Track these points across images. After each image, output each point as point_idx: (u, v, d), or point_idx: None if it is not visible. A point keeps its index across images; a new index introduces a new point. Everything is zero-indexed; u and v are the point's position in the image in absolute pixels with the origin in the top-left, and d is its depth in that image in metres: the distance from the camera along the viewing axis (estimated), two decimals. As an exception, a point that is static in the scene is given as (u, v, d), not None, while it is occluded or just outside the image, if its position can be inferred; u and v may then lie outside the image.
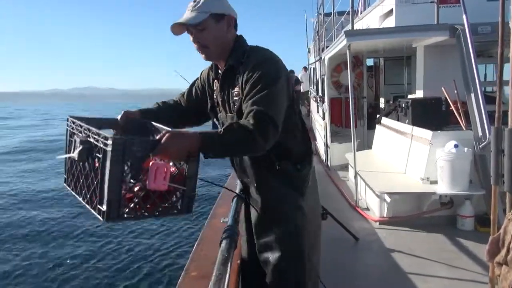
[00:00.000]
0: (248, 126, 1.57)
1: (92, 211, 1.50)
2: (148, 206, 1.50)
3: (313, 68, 10.98)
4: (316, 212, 2.10)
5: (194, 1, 1.78)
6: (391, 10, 5.66)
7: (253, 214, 1.98)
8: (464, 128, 4.49)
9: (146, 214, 1.52)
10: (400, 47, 6.76)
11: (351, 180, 6.06)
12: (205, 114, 2.07)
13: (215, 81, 1.96)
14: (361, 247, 3.98)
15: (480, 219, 4.13)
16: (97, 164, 1.48)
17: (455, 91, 4.74)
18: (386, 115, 6.00)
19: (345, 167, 6.77)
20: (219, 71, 1.91)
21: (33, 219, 8.72)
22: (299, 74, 14.55)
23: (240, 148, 1.65)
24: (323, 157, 7.66)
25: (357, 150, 5.35)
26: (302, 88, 13.97)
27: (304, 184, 1.93)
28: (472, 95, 4.18)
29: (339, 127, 8.07)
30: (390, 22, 5.67)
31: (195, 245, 2.53)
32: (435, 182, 4.22)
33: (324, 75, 7.78)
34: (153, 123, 1.86)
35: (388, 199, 4.42)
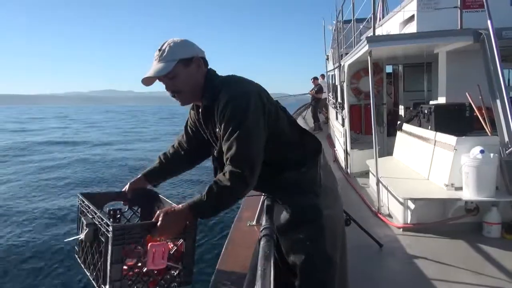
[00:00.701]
0: (225, 183, 1.66)
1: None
2: (150, 281, 1.63)
3: (332, 75, 10.96)
4: (338, 213, 2.07)
5: (160, 50, 1.80)
6: (412, 16, 5.63)
7: (276, 217, 1.99)
8: (489, 134, 4.43)
9: None
10: (420, 54, 6.72)
11: (372, 187, 6.01)
12: (207, 149, 2.08)
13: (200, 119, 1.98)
14: (385, 254, 3.93)
15: (507, 226, 4.05)
16: (101, 247, 1.62)
17: (480, 97, 4.68)
18: (408, 122, 5.95)
19: (365, 174, 6.72)
20: (200, 110, 1.93)
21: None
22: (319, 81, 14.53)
23: (227, 202, 1.74)
24: (343, 164, 7.62)
25: (378, 157, 5.31)
26: (321, 96, 13.96)
27: (314, 185, 1.92)
28: (498, 100, 4.13)
29: (359, 134, 8.04)
30: (412, 28, 5.63)
31: (223, 248, 2.55)
32: (460, 189, 4.16)
33: (344, 81, 7.76)
34: (153, 190, 2.14)
35: (411, 205, 4.37)
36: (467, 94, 4.73)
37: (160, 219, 1.60)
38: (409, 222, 4.43)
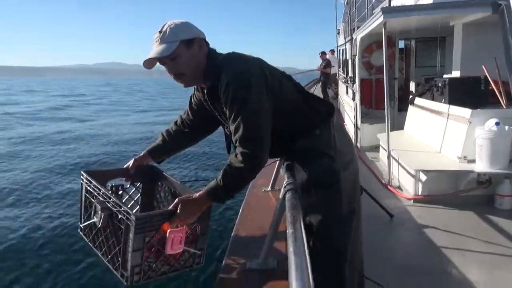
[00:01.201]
0: (238, 164, 1.70)
1: (114, 271, 1.70)
2: (166, 265, 1.72)
3: (343, 50, 10.85)
4: (354, 175, 2.07)
5: (160, 31, 1.76)
6: (429, -12, 5.52)
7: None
8: (504, 107, 4.40)
9: (165, 272, 1.74)
10: (434, 27, 6.61)
11: (382, 160, 6.02)
12: (216, 121, 2.08)
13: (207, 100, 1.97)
14: (395, 224, 3.96)
15: (519, 199, 4.06)
16: (118, 232, 1.66)
17: (496, 70, 4.63)
18: (420, 95, 5.92)
19: (375, 148, 6.71)
20: (205, 91, 1.92)
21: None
22: (327, 56, 14.39)
23: (242, 182, 1.80)
24: (353, 138, 7.62)
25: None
26: (331, 71, 13.86)
27: (329, 148, 1.91)
28: (515, 73, 4.09)
29: (369, 108, 8.01)
30: (427, 0, 5.54)
31: (239, 213, 2.57)
32: (473, 161, 4.16)
33: (355, 55, 7.69)
34: (154, 166, 2.19)
35: (423, 177, 4.38)
36: (483, 67, 4.68)
37: (179, 207, 1.66)
38: (420, 194, 4.45)
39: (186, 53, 1.76)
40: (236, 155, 1.71)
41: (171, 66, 1.78)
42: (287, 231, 1.25)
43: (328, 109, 1.99)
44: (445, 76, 5.99)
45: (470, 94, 4.70)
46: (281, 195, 1.75)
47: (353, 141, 7.58)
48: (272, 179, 3.18)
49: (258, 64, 1.79)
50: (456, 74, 5.61)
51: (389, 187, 4.92)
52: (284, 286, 1.76)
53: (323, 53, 13.90)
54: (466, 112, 4.28)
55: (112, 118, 21.96)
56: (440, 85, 5.10)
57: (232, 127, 1.73)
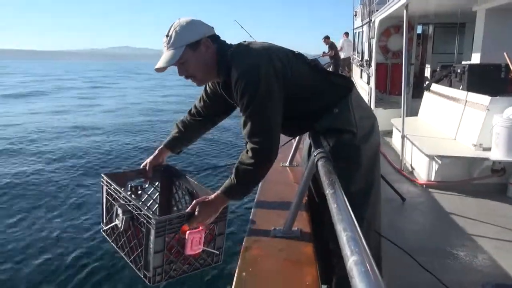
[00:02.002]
0: (249, 160, 1.73)
1: (137, 272, 1.76)
2: (186, 265, 1.78)
3: (359, 33, 10.75)
4: (375, 147, 2.07)
5: (167, 36, 1.77)
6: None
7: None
8: (524, 96, 4.37)
9: (185, 271, 1.80)
10: (455, 12, 6.53)
11: (395, 145, 6.03)
12: (230, 106, 2.10)
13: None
14: (407, 208, 3.99)
15: (533, 189, 4.07)
16: (140, 234, 1.72)
17: (518, 58, 4.58)
18: (437, 82, 5.88)
19: (388, 134, 6.71)
20: (220, 84, 1.95)
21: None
22: (340, 39, 14.24)
23: (256, 178, 1.83)
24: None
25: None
26: (344, 54, 13.72)
27: (350, 124, 1.91)
28: (538, 61, 4.04)
29: (383, 93, 7.97)
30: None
31: (260, 185, 2.59)
32: (488, 149, 4.15)
33: (373, 38, 7.63)
34: (171, 166, 2.27)
35: (436, 163, 4.38)
36: (505, 54, 4.63)
37: (197, 209, 1.69)
38: (432, 179, 4.46)
39: (193, 56, 1.78)
40: (246, 151, 1.74)
41: (182, 69, 1.81)
42: (326, 192, 1.28)
43: (346, 85, 1.98)
44: (464, 62, 5.95)
45: (490, 81, 4.65)
46: (309, 163, 1.77)
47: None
48: (291, 155, 3.21)
49: (266, 55, 1.78)
50: (476, 60, 5.55)
51: (401, 172, 4.94)
52: (308, 253, 1.81)
53: (326, 38, 13.64)
54: (484, 99, 4.26)
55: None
56: (459, 71, 5.06)
57: (241, 122, 1.76)
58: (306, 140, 2.40)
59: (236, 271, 1.66)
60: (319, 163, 1.58)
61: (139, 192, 2.19)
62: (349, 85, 1.99)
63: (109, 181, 1.93)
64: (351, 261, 0.83)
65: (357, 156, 1.93)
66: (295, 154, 3.21)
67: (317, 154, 1.67)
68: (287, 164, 3.19)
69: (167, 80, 37.03)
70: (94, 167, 8.92)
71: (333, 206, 1.17)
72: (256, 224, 2.13)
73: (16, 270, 4.70)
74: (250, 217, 2.25)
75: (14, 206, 6.67)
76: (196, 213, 1.69)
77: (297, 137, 3.09)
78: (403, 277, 2.61)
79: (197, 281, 4.20)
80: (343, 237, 0.95)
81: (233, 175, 1.76)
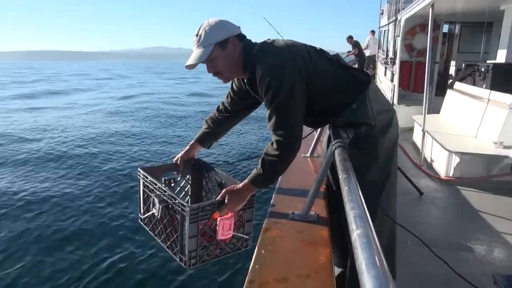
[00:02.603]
0: (274, 152, 1.86)
1: (174, 256, 1.91)
2: (218, 249, 1.93)
3: (385, 31, 10.74)
4: (392, 138, 2.15)
5: (197, 35, 1.88)
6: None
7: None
8: (548, 95, 4.37)
9: (218, 255, 1.94)
10: (482, 11, 6.50)
11: (415, 142, 6.07)
12: (255, 101, 2.23)
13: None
14: (425, 201, 4.05)
15: (553, 188, 4.08)
16: (175, 222, 1.87)
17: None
18: (461, 80, 5.89)
19: (409, 130, 6.74)
20: (245, 81, 2.07)
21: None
22: (367, 38, 14.24)
23: (280, 168, 1.94)
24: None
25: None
26: (369, 52, 13.71)
27: (368, 118, 1.99)
28: None
29: (406, 90, 7.99)
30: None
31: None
32: (509, 147, 4.17)
33: (398, 36, 7.64)
34: (201, 160, 2.42)
35: (456, 159, 4.44)
36: None
37: (226, 197, 1.83)
38: (451, 175, 4.51)
39: (221, 54, 1.89)
40: (271, 143, 1.88)
41: (210, 66, 1.93)
42: (340, 177, 1.41)
43: (364, 79, 2.08)
44: (488, 61, 5.94)
45: (514, 81, 4.68)
46: (328, 153, 1.90)
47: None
48: (312, 146, 3.33)
49: (290, 53, 1.89)
50: (501, 59, 5.55)
51: (420, 167, 5.00)
52: (323, 235, 1.95)
53: (349, 38, 13.71)
54: (507, 98, 4.28)
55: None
56: (483, 70, 5.08)
57: (266, 116, 1.89)
58: (326, 132, 2.52)
59: (256, 249, 1.80)
60: (336, 151, 1.71)
61: (172, 184, 2.35)
62: (368, 79, 2.09)
63: (145, 174, 2.09)
64: (355, 234, 0.94)
65: (374, 148, 2.04)
66: (316, 145, 3.33)
67: (334, 143, 1.80)
68: (308, 155, 3.32)
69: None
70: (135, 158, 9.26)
71: (345, 189, 1.29)
72: (276, 208, 2.27)
73: (66, 257, 4.99)
74: (271, 201, 2.38)
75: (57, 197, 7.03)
76: (226, 200, 1.83)
77: (319, 130, 3.21)
78: (417, 267, 2.71)
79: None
80: (351, 214, 1.07)
81: (259, 165, 1.90)
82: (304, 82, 1.88)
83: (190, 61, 1.89)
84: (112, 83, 37.39)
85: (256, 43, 1.99)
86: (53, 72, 61.15)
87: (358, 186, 1.30)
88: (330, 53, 2.11)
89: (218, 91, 27.98)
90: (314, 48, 2.03)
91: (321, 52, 2.03)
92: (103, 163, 9.15)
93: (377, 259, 0.80)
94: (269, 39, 2.02)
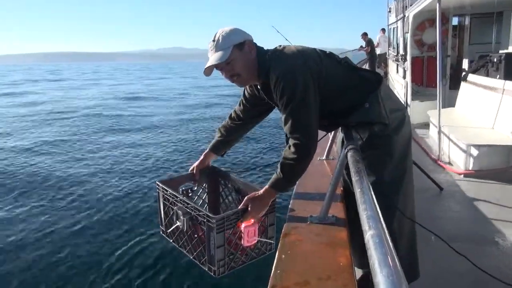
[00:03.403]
0: (292, 155, 1.89)
1: (202, 266, 1.96)
2: (244, 255, 1.97)
3: (394, 28, 10.70)
4: (406, 135, 2.17)
5: (214, 40, 1.92)
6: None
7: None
8: (562, 82, 4.32)
9: (244, 261, 1.98)
10: (491, 2, 6.44)
11: (432, 137, 6.03)
12: (267, 107, 2.27)
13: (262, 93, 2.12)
14: (445, 197, 4.03)
15: None
16: (200, 232, 1.93)
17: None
18: (474, 72, 5.85)
19: (425, 126, 6.69)
20: (259, 86, 2.10)
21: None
22: (377, 36, 14.24)
23: (299, 171, 1.97)
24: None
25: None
26: (380, 50, 13.70)
27: (381, 117, 2.01)
28: None
29: (420, 86, 7.95)
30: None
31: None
32: (527, 137, 4.15)
33: (407, 33, 7.62)
34: (216, 167, 2.46)
35: (474, 152, 4.40)
36: None
37: (249, 205, 1.87)
38: (470, 168, 4.47)
39: (239, 56, 1.93)
40: (289, 147, 1.90)
41: (227, 69, 1.94)
42: (353, 179, 1.45)
43: (376, 78, 2.11)
44: (501, 51, 5.87)
45: (527, 69, 4.63)
46: (342, 155, 1.93)
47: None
48: (327, 149, 3.35)
49: (302, 57, 1.93)
50: (512, 49, 5.50)
51: (439, 162, 4.96)
52: (342, 237, 1.97)
53: (364, 34, 13.85)
54: None
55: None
56: (495, 60, 5.04)
57: (282, 120, 1.93)
58: (340, 134, 2.55)
59: (276, 254, 1.81)
60: (349, 154, 1.74)
61: (190, 194, 2.40)
62: (378, 79, 2.11)
63: (165, 187, 2.13)
64: (368, 235, 0.97)
65: (389, 146, 2.07)
66: (331, 148, 3.35)
67: (347, 145, 1.83)
68: (323, 158, 3.34)
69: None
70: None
71: (357, 191, 1.33)
72: (294, 213, 2.29)
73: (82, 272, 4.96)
74: (289, 207, 2.41)
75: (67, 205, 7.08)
76: (249, 208, 1.88)
77: (333, 132, 3.24)
78: (442, 263, 2.69)
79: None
80: (364, 216, 1.10)
81: (278, 170, 1.93)
82: (317, 83, 1.92)
83: (210, 63, 1.92)
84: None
85: (267, 50, 2.03)
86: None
87: (371, 188, 1.33)
88: (341, 52, 2.15)
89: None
90: (324, 51, 2.08)
91: (330, 56, 2.07)
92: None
93: (389, 258, 0.83)
94: (280, 46, 2.07)
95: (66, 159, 9.89)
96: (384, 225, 1.01)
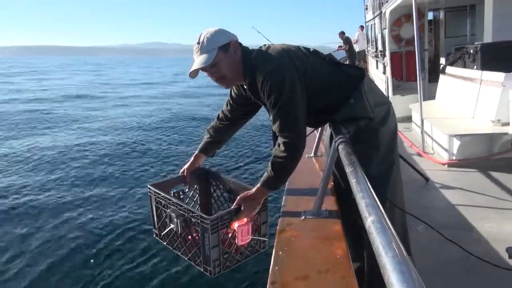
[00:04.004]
0: (282, 154, 1.91)
1: (197, 267, 1.97)
2: (239, 254, 1.99)
3: (371, 25, 10.85)
4: (392, 127, 2.20)
5: (198, 43, 1.93)
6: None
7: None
8: (538, 70, 4.44)
9: (239, 260, 2.00)
10: None
11: (414, 129, 6.13)
12: (255, 107, 2.28)
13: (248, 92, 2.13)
14: (432, 187, 4.10)
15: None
16: (194, 234, 1.94)
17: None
18: (451, 64, 5.97)
19: (407, 119, 6.79)
20: (245, 86, 2.10)
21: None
22: (356, 33, 14.42)
23: (290, 168, 1.99)
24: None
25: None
26: (359, 47, 13.87)
27: (366, 111, 2.05)
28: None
29: (399, 81, 8.08)
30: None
31: None
32: (507, 124, 4.24)
33: (385, 29, 7.74)
34: (206, 168, 2.48)
35: (457, 142, 4.49)
36: None
37: (242, 205, 1.89)
38: (454, 158, 4.56)
39: (224, 58, 1.94)
40: (278, 145, 1.92)
41: (213, 71, 1.94)
42: (347, 171, 1.47)
43: (358, 74, 2.13)
44: (476, 43, 6.02)
45: (503, 58, 4.74)
46: (331, 149, 1.96)
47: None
48: (315, 146, 3.39)
49: (287, 56, 1.94)
50: (487, 40, 5.63)
51: (423, 153, 5.05)
52: (337, 230, 2.00)
53: (341, 33, 13.98)
54: (499, 76, 4.35)
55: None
56: (471, 51, 5.16)
57: (271, 119, 1.95)
58: (328, 130, 2.58)
59: (273, 251, 1.83)
60: (340, 147, 1.78)
61: (181, 196, 2.40)
62: (361, 74, 2.14)
63: (157, 191, 2.14)
64: (369, 221, 0.99)
65: (375, 140, 2.11)
66: (319, 144, 3.39)
67: (337, 139, 1.86)
68: (312, 155, 3.37)
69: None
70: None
71: (353, 181, 1.35)
72: (287, 209, 2.32)
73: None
74: (282, 204, 2.43)
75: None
76: (242, 207, 1.89)
77: (320, 129, 3.27)
78: (432, 251, 2.75)
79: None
80: (362, 203, 1.12)
81: (269, 168, 1.95)
82: (303, 81, 1.94)
83: (195, 66, 1.92)
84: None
85: (252, 49, 2.04)
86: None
87: (365, 176, 1.36)
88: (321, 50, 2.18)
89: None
90: (308, 49, 2.10)
91: (315, 53, 2.09)
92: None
93: (392, 240, 0.86)
94: (265, 45, 2.08)
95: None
96: (383, 211, 1.03)
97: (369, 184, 1.28)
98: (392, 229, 0.92)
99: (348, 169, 1.48)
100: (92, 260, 5.07)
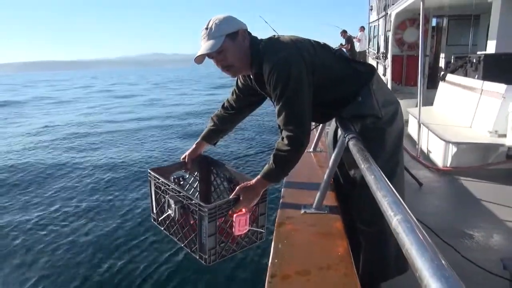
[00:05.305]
0: (285, 147, 1.88)
1: (193, 254, 1.95)
2: (235, 244, 1.98)
3: (374, 26, 10.84)
4: (399, 125, 2.17)
5: (206, 28, 1.88)
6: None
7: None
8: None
9: (235, 250, 1.98)
10: (469, 4, 6.60)
11: (411, 134, 6.16)
12: (260, 97, 2.25)
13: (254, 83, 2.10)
14: (425, 192, 4.12)
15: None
16: (191, 221, 1.92)
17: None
18: (452, 72, 5.99)
19: (404, 123, 6.81)
20: (252, 77, 2.07)
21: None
22: (357, 34, 14.40)
23: (292, 162, 1.96)
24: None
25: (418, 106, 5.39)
26: (360, 47, 13.85)
27: (373, 109, 2.02)
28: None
29: (399, 84, 8.09)
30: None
31: None
32: (504, 136, 4.27)
33: (389, 31, 7.74)
34: (208, 156, 2.45)
35: (453, 149, 4.52)
36: None
37: (241, 195, 1.87)
38: (449, 165, 4.59)
39: (232, 46, 1.90)
40: (282, 139, 1.89)
41: (219, 59, 1.90)
42: (362, 167, 1.45)
43: (368, 71, 2.10)
44: (479, 52, 6.04)
45: (505, 70, 4.77)
46: (339, 144, 1.94)
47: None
48: (314, 142, 3.39)
49: (296, 48, 1.90)
50: (491, 50, 5.65)
51: (418, 159, 5.08)
52: (338, 227, 1.99)
53: (344, 32, 13.96)
54: (500, 87, 4.38)
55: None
56: (474, 61, 5.18)
57: (276, 111, 1.91)
58: (331, 126, 2.56)
59: (273, 244, 1.81)
60: (351, 142, 1.75)
61: (181, 182, 2.37)
62: (371, 71, 2.11)
63: (157, 176, 2.11)
64: (395, 220, 0.92)
65: (381, 139, 2.08)
66: (319, 140, 3.39)
67: (347, 135, 1.84)
68: (311, 150, 3.37)
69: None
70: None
71: (370, 178, 1.29)
72: (286, 203, 2.31)
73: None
74: (281, 196, 2.42)
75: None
76: (241, 197, 1.87)
77: (320, 125, 3.26)
78: None
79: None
80: (384, 202, 1.05)
81: (271, 161, 1.92)
82: (311, 74, 1.90)
83: (201, 51, 1.88)
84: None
85: (261, 39, 2.00)
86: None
87: (382, 173, 1.32)
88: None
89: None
90: (318, 42, 2.06)
91: (325, 47, 2.06)
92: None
93: (425, 242, 0.80)
94: (274, 35, 2.05)
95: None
96: (406, 207, 0.99)
97: (387, 180, 1.25)
98: (419, 226, 0.87)
99: (363, 165, 1.44)
100: (88, 259, 5.03)
